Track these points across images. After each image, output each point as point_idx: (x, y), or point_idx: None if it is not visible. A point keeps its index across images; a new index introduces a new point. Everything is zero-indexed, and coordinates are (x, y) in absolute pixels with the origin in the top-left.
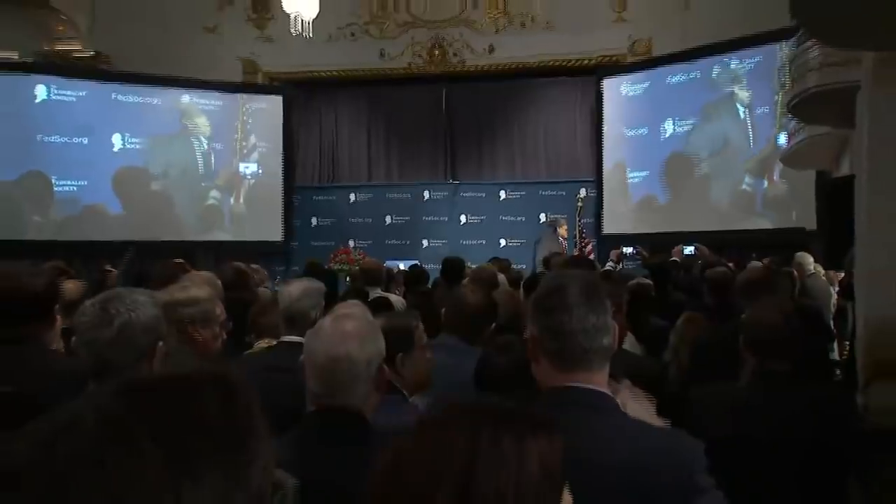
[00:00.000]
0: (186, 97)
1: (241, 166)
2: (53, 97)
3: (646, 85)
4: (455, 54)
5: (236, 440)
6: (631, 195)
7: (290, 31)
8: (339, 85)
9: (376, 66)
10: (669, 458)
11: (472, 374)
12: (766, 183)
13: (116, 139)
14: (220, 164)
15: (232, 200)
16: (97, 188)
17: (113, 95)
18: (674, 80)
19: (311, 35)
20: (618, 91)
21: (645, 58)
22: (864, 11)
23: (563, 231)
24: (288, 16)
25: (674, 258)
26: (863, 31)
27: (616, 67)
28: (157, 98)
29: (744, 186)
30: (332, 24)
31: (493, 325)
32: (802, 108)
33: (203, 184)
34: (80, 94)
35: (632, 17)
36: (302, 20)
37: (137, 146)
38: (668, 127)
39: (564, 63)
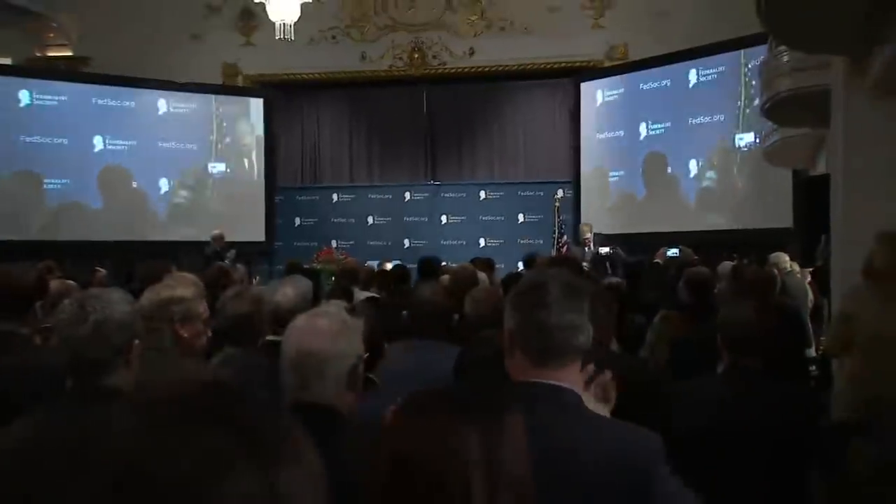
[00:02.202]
0: (168, 99)
1: (223, 166)
2: (36, 101)
3: (622, 89)
4: (434, 57)
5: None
6: (607, 196)
7: (273, 35)
8: (320, 87)
9: (357, 69)
10: (635, 455)
11: (443, 372)
12: (742, 182)
13: (97, 140)
14: (201, 165)
15: (213, 201)
16: (80, 189)
17: (93, 99)
18: (650, 83)
19: (292, 38)
20: (595, 94)
21: (622, 62)
22: (829, 20)
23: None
24: (272, 21)
25: (657, 259)
26: (830, 37)
27: (594, 71)
28: (135, 100)
29: (721, 185)
30: (314, 27)
31: (457, 317)
32: (777, 110)
33: (185, 184)
34: (62, 97)
35: (609, 22)
36: (283, 23)
37: (118, 147)
38: (644, 129)
39: (543, 67)
